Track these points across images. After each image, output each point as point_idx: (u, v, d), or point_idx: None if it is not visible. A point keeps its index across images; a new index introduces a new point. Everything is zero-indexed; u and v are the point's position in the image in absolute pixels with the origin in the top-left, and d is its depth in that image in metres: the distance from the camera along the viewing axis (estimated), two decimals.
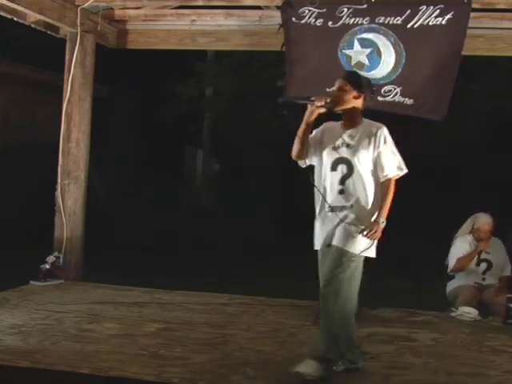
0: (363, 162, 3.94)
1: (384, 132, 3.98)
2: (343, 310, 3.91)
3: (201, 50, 10.06)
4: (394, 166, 4.00)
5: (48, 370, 3.85)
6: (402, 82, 5.81)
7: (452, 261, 5.85)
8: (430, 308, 5.63)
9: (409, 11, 5.71)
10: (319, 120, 4.04)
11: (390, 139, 3.99)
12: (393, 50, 5.78)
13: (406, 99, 5.83)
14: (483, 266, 5.80)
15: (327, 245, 4.01)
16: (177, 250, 9.07)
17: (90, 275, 6.57)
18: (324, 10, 5.86)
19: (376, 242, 3.96)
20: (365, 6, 5.78)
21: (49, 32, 6.63)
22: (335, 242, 3.94)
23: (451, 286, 5.88)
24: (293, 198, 10.70)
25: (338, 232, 3.94)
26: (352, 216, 3.93)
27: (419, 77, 5.78)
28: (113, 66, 10.22)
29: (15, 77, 9.82)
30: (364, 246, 3.93)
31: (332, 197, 3.98)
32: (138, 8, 6.79)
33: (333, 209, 3.96)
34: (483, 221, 5.85)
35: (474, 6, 5.67)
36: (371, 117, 4.08)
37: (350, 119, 4.04)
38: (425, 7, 5.68)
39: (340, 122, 4.09)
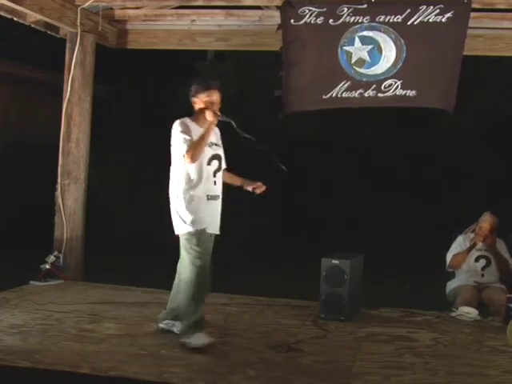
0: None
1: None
2: None
3: (201, 50, 10.06)
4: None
5: (48, 370, 3.86)
6: (402, 76, 5.81)
7: (449, 257, 5.88)
8: (430, 308, 5.63)
9: (409, 10, 5.72)
10: None
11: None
12: (393, 46, 5.79)
13: (408, 91, 5.83)
14: (482, 262, 5.82)
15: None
16: (177, 249, 9.05)
17: (90, 275, 6.57)
18: (324, 9, 5.85)
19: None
20: (365, 5, 5.78)
21: (49, 32, 6.64)
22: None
23: (451, 285, 5.89)
24: (292, 198, 10.71)
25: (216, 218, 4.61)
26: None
27: (421, 69, 5.79)
28: (113, 66, 10.21)
29: (15, 77, 9.82)
30: None
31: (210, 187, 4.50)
32: (138, 8, 6.80)
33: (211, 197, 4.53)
34: (483, 218, 5.90)
35: (474, 5, 5.68)
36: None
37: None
38: (425, 7, 5.69)
39: (194, 121, 4.53)
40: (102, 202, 9.49)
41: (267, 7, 6.37)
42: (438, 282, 6.04)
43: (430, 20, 5.68)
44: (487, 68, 10.00)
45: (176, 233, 4.51)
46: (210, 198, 4.51)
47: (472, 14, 5.66)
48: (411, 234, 9.46)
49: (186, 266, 4.43)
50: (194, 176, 4.45)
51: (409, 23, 5.73)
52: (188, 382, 3.80)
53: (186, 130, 4.42)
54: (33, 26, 6.45)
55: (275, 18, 6.07)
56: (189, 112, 4.62)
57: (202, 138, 4.39)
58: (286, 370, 4.05)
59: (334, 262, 5.15)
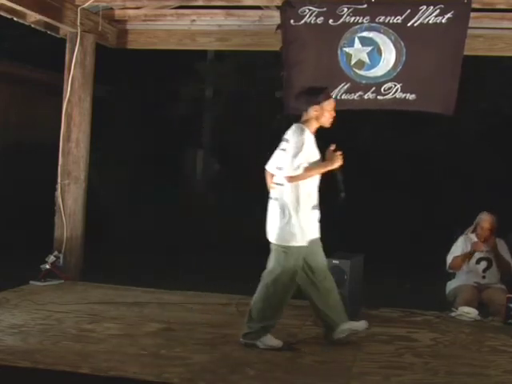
0: None
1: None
2: None
3: (201, 50, 10.06)
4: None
5: (48, 370, 3.86)
6: (402, 79, 5.82)
7: (449, 258, 5.88)
8: (430, 308, 5.63)
9: (409, 11, 5.72)
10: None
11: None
12: (393, 48, 5.80)
13: (408, 94, 5.83)
14: (483, 264, 5.81)
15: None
16: (177, 249, 9.06)
17: (89, 275, 6.56)
18: (324, 9, 5.86)
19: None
20: (365, 5, 5.78)
21: (49, 32, 6.63)
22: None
23: (451, 285, 5.88)
24: None
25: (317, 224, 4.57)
26: None
27: (421, 73, 5.79)
28: (113, 66, 10.22)
29: (15, 77, 9.82)
30: None
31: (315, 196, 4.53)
32: (138, 8, 6.79)
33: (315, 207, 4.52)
34: (483, 218, 5.88)
35: (474, 5, 5.67)
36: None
37: None
38: (425, 7, 5.69)
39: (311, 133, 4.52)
40: (101, 201, 9.49)
41: (267, 7, 6.36)
42: (438, 282, 6.03)
43: (430, 21, 5.68)
44: (487, 68, 10.01)
45: (275, 242, 4.50)
46: (315, 207, 4.50)
47: (472, 14, 5.66)
48: (411, 234, 9.46)
49: (272, 272, 4.51)
50: (311, 189, 4.45)
51: (409, 25, 5.72)
52: (188, 382, 3.80)
53: (306, 144, 4.40)
54: (33, 26, 6.44)
55: (275, 17, 6.07)
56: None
57: (318, 170, 4.44)
58: (286, 370, 4.05)
59: (334, 262, 5.14)
